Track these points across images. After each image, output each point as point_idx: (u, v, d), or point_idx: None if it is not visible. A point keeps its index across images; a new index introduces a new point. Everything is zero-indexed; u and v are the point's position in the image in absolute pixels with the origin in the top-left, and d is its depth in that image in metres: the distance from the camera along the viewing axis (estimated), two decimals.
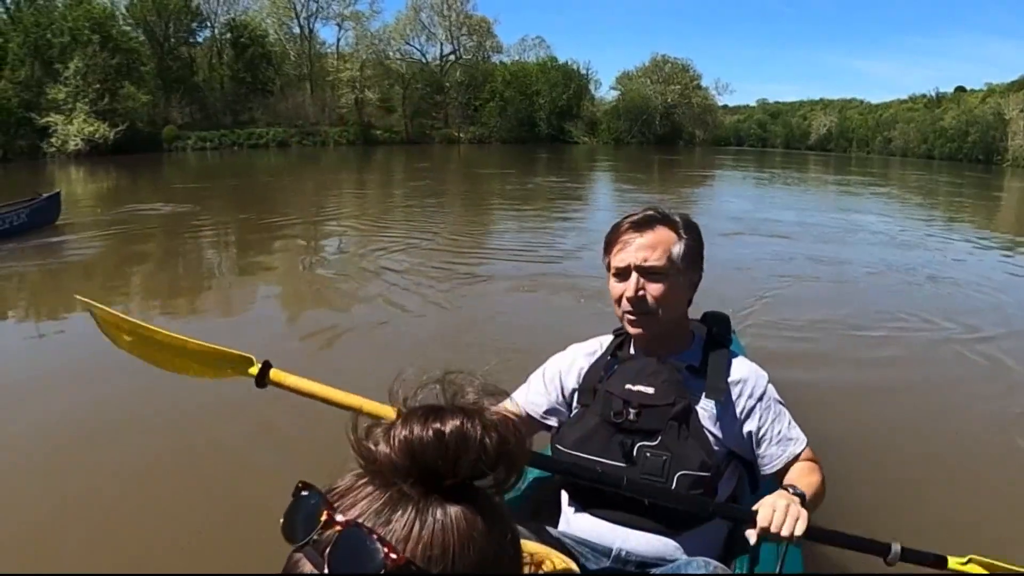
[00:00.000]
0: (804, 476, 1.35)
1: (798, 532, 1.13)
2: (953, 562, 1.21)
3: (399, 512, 0.48)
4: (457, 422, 0.49)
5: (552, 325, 4.68)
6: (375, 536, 0.46)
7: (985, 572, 1.21)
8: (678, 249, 1.36)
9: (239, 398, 3.03)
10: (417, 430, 0.49)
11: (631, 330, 1.40)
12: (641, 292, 1.35)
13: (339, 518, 0.47)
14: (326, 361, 4.26)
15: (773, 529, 1.14)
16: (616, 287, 1.39)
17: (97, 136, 26.72)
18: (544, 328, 4.63)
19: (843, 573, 2.04)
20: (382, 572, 0.45)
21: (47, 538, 2.34)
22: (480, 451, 0.49)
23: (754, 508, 1.19)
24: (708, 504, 1.29)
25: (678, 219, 1.41)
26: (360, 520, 0.47)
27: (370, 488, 0.49)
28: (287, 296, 6.33)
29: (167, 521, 2.43)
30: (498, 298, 5.86)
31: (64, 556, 2.23)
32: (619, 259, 1.38)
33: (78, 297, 1.56)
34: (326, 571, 0.46)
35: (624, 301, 1.37)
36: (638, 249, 1.35)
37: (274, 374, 1.39)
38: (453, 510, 0.48)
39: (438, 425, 0.49)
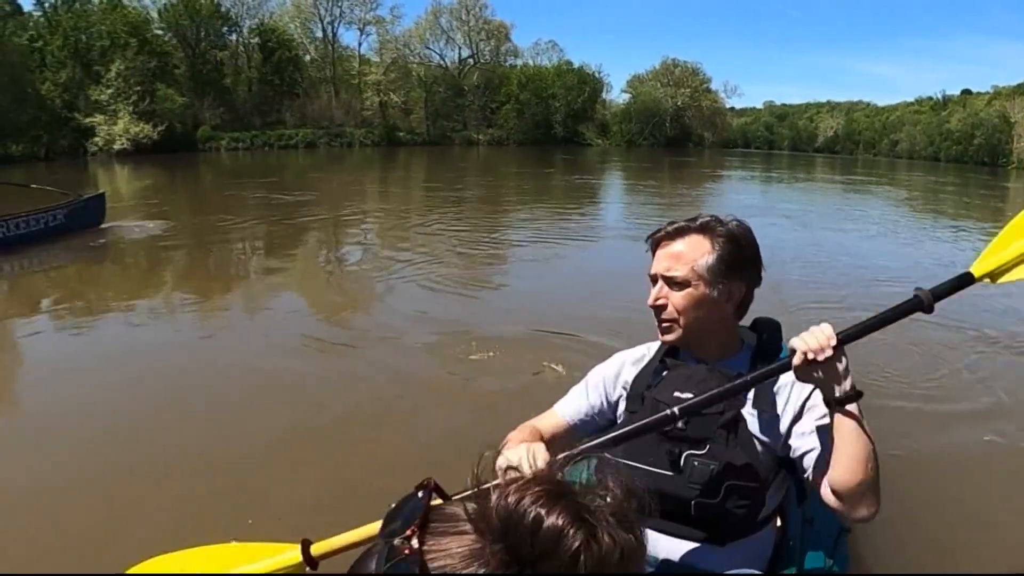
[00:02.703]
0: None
1: (828, 335, 1.11)
2: (977, 272, 1.20)
3: (472, 568, 0.45)
4: (560, 522, 0.44)
5: None
6: None
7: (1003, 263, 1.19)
8: (707, 260, 1.30)
9: None
10: (524, 505, 0.45)
11: (659, 335, 1.38)
12: (662, 301, 1.33)
13: (414, 543, 0.46)
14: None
15: (811, 347, 1.10)
16: (649, 292, 1.37)
17: (142, 136, 27.12)
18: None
19: (889, 574, 1.98)
20: None
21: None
22: (569, 562, 0.44)
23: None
24: (745, 378, 1.18)
25: (720, 228, 1.33)
26: (432, 552, 0.45)
27: (466, 530, 0.46)
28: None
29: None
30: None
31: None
32: (651, 266, 1.37)
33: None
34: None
35: (650, 308, 1.37)
36: (664, 258, 1.34)
37: (315, 547, 1.24)
38: None
39: (542, 513, 0.45)
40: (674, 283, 1.31)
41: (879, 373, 4.02)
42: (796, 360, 1.11)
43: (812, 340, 1.10)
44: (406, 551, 0.46)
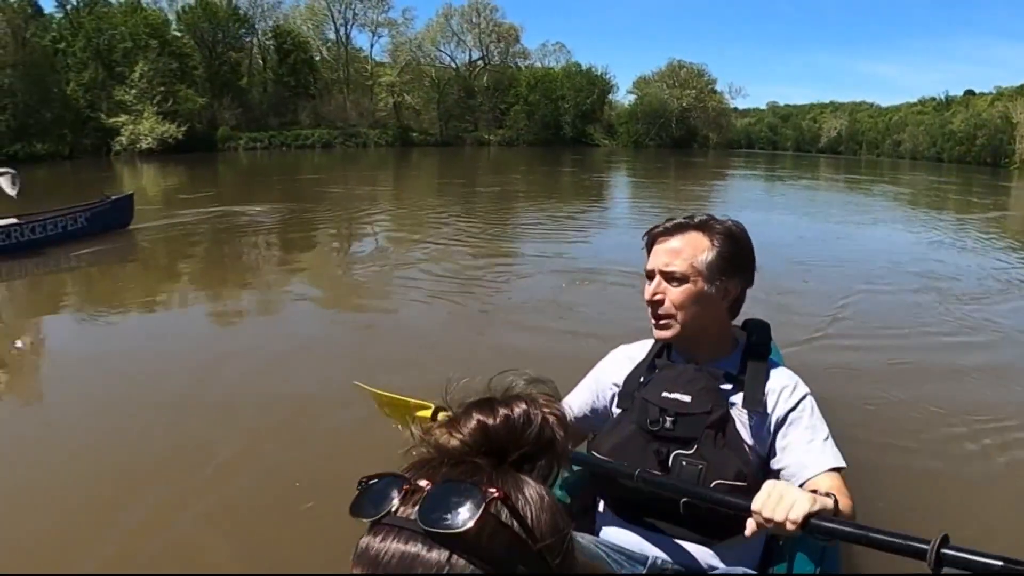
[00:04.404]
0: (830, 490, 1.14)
1: (792, 517, 0.95)
2: None
3: (477, 478, 0.46)
4: (523, 406, 0.50)
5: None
6: (468, 481, 0.45)
7: None
8: (706, 256, 1.28)
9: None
10: (487, 415, 0.49)
11: (654, 333, 1.34)
12: (659, 296, 1.30)
13: (423, 483, 0.45)
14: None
15: (765, 514, 0.98)
16: (645, 289, 1.33)
17: (168, 136, 27.32)
18: None
19: (878, 574, 1.94)
20: (485, 503, 0.44)
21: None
22: (540, 430, 0.49)
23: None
24: (708, 494, 1.15)
25: (718, 226, 1.31)
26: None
27: (441, 467, 0.48)
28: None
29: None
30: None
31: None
32: (648, 262, 1.34)
33: (356, 383, 1.73)
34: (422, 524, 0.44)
35: (647, 303, 1.33)
36: (663, 254, 1.30)
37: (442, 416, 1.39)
38: (526, 478, 0.48)
39: (505, 410, 0.49)
40: (673, 279, 1.28)
41: (871, 355, 4.05)
42: (748, 530, 1.02)
43: (772, 523, 0.98)
44: (425, 489, 0.45)
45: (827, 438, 1.26)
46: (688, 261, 1.27)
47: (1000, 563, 0.82)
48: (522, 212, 12.11)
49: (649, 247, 1.34)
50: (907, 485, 2.57)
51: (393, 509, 0.45)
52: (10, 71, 23.71)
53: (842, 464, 1.23)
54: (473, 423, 0.49)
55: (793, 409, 1.28)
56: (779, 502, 0.98)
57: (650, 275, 1.32)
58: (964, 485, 2.63)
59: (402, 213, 11.83)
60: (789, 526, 0.96)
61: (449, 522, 0.42)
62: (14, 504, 2.35)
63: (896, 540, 0.90)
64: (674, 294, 1.28)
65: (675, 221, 1.33)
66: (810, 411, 1.28)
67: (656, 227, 1.34)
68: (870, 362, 3.97)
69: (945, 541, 0.85)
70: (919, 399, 3.35)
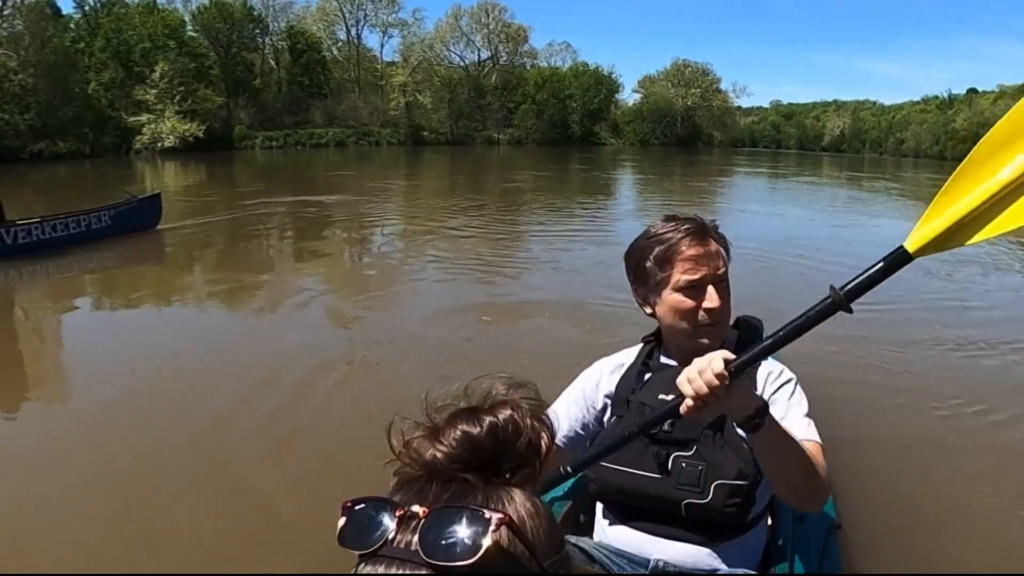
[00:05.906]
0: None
1: (715, 369, 0.92)
2: (913, 247, 0.91)
3: (470, 498, 0.44)
4: (508, 412, 0.47)
5: None
6: (469, 507, 0.42)
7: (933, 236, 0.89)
8: (726, 256, 1.27)
9: None
10: (471, 425, 0.46)
11: (705, 342, 1.23)
12: (722, 302, 1.23)
13: (416, 509, 0.42)
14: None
15: (698, 391, 0.94)
16: (686, 302, 1.22)
17: (189, 135, 27.46)
18: None
19: (879, 574, 1.93)
20: (493, 528, 0.41)
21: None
22: (529, 436, 0.47)
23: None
24: (653, 415, 1.08)
25: (710, 224, 1.29)
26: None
27: (430, 486, 0.45)
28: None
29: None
30: None
31: None
32: (691, 272, 1.22)
33: None
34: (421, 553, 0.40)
35: (703, 313, 1.22)
36: (711, 259, 1.22)
37: None
38: (517, 491, 0.45)
39: (491, 418, 0.47)
40: (721, 281, 1.23)
41: (865, 357, 4.00)
42: (683, 408, 0.97)
43: (698, 383, 0.94)
44: (421, 516, 0.42)
45: (807, 415, 1.23)
46: (725, 263, 1.25)
47: (880, 266, 0.90)
48: (549, 204, 13.00)
49: (671, 257, 1.22)
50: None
51: (390, 538, 0.41)
52: (32, 71, 23.88)
53: (817, 439, 1.19)
54: (457, 434, 0.45)
55: (777, 390, 1.26)
56: (702, 374, 0.94)
57: (699, 284, 1.21)
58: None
59: (438, 202, 12.58)
60: (720, 385, 0.93)
61: (457, 552, 0.40)
62: (42, 488, 2.38)
63: (812, 313, 0.94)
64: (725, 298, 1.23)
65: (695, 225, 1.24)
66: (792, 391, 1.26)
67: (676, 235, 1.23)
68: (862, 338, 4.09)
69: (836, 288, 0.92)
70: (913, 366, 3.86)
